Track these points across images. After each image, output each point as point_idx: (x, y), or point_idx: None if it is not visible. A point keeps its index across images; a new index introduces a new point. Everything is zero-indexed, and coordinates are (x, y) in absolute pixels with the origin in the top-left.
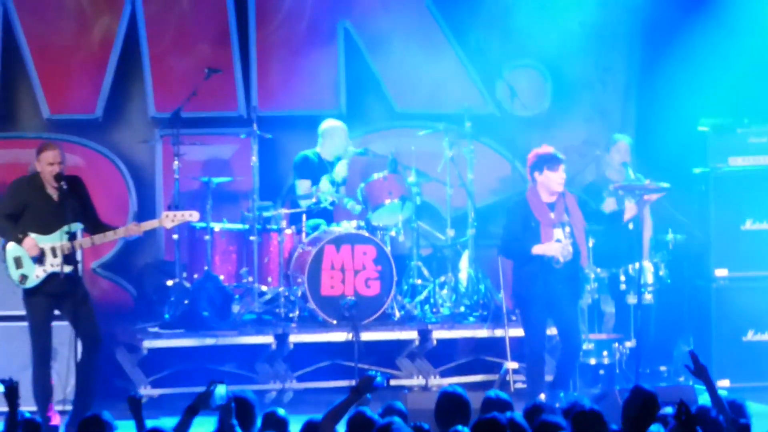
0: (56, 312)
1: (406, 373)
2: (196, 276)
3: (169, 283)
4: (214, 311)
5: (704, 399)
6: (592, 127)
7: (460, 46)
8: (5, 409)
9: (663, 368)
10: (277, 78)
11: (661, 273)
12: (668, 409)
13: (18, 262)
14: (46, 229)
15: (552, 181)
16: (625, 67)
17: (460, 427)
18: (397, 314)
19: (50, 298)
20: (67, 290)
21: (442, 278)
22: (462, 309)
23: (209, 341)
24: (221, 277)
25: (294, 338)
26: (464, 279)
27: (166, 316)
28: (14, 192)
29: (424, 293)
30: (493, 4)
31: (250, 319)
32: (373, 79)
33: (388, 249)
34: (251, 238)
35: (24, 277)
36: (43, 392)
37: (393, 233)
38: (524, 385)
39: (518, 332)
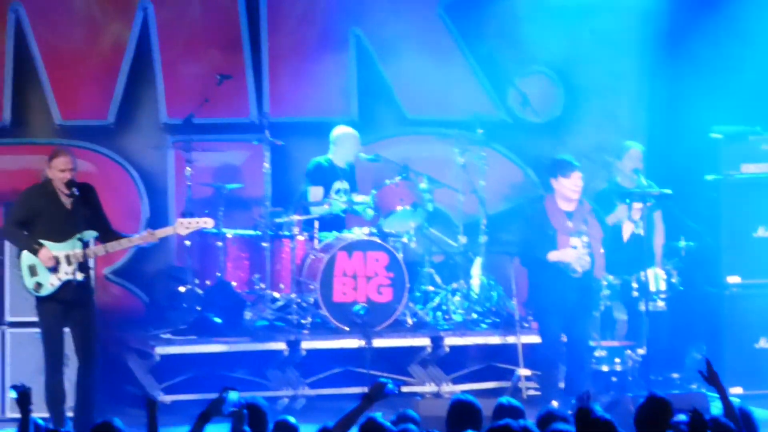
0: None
1: (418, 380)
2: (208, 282)
3: (182, 289)
4: (227, 318)
5: (716, 406)
6: (603, 134)
7: (472, 53)
8: (18, 415)
9: (675, 375)
10: (288, 84)
11: (673, 280)
12: (681, 417)
13: (32, 270)
14: (59, 237)
15: (565, 188)
16: (636, 73)
17: None
18: (409, 321)
19: (62, 305)
20: (79, 298)
21: (454, 285)
22: (474, 316)
23: (221, 348)
24: (233, 284)
25: (306, 345)
26: (476, 286)
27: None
28: (26, 200)
29: (436, 300)
30: (504, 11)
31: (263, 325)
32: (385, 86)
33: (400, 256)
34: (263, 244)
35: (39, 285)
36: (56, 398)
37: (405, 240)
38: (537, 392)
39: (530, 339)
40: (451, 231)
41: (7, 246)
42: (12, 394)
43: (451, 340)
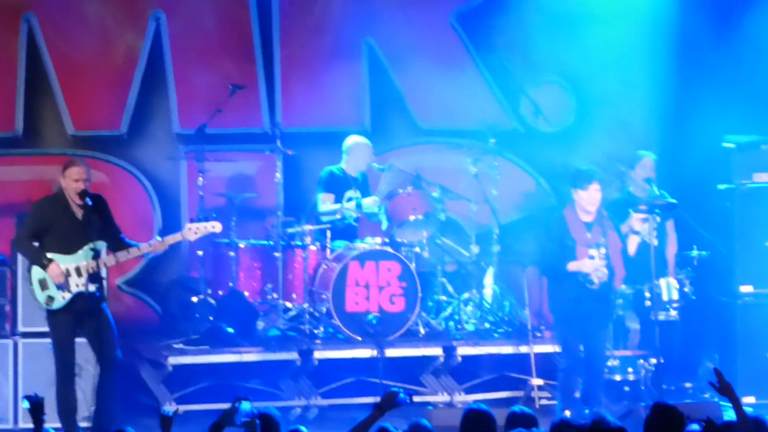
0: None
1: (430, 390)
2: (220, 292)
3: (194, 299)
4: (239, 328)
5: (729, 415)
6: (616, 143)
7: (484, 62)
8: (31, 425)
9: (688, 385)
10: (301, 94)
11: (686, 289)
12: (694, 426)
13: (43, 284)
14: (69, 249)
15: (583, 200)
16: (648, 83)
17: None
18: (422, 331)
19: (74, 316)
20: (91, 309)
21: (467, 295)
22: (487, 325)
23: (234, 358)
24: (246, 294)
25: (319, 355)
26: (489, 295)
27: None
28: (38, 211)
29: (449, 310)
30: (516, 20)
31: (275, 335)
32: (397, 96)
33: (412, 265)
34: (276, 254)
35: (50, 299)
36: (68, 409)
37: (417, 249)
38: (550, 402)
39: (543, 349)
40: (464, 240)
41: (20, 258)
42: (25, 405)
43: (463, 350)
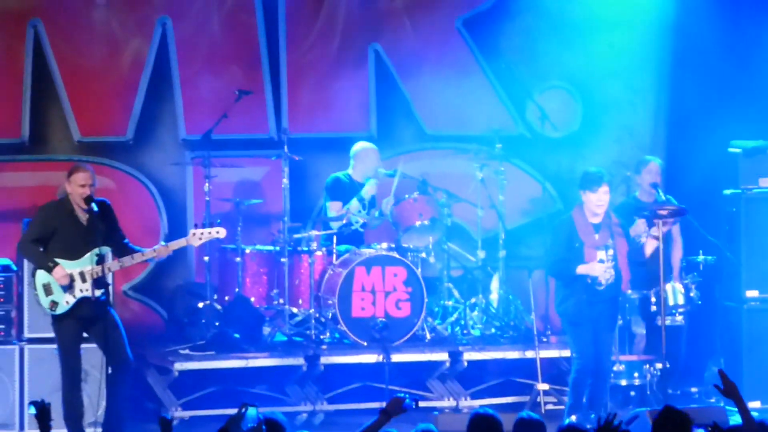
0: (84, 335)
1: (437, 395)
2: (227, 298)
3: (200, 305)
4: (245, 333)
5: (735, 420)
6: (622, 148)
7: (491, 67)
8: (37, 431)
9: (694, 389)
10: (307, 100)
11: (692, 294)
12: (700, 431)
13: (47, 289)
14: (74, 254)
15: (591, 202)
16: (655, 88)
17: None
18: (428, 336)
19: (79, 322)
20: (97, 314)
21: (473, 300)
22: (493, 330)
23: (240, 363)
24: (252, 299)
25: (325, 360)
26: (495, 300)
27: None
28: (43, 217)
29: (455, 315)
30: (523, 26)
31: (281, 341)
32: (404, 101)
33: (418, 271)
34: (282, 260)
35: (54, 304)
36: (74, 414)
37: (423, 255)
38: (555, 407)
39: (549, 353)
40: (470, 246)
41: (25, 264)
42: (31, 410)
43: (469, 355)
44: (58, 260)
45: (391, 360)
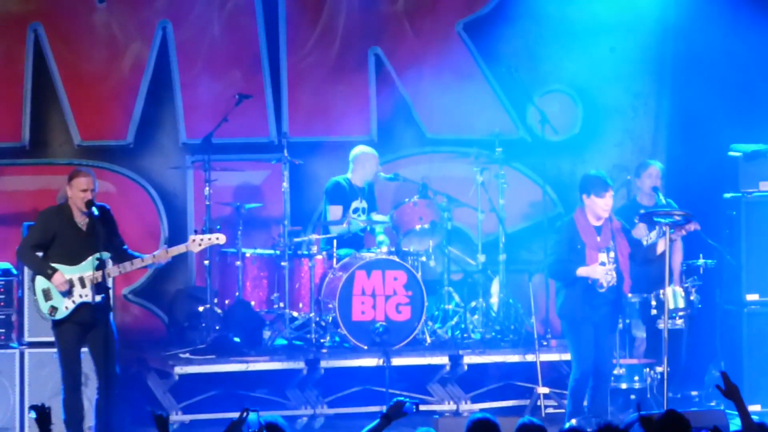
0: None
1: (437, 399)
2: (227, 302)
3: (201, 309)
4: (246, 337)
5: (735, 424)
6: (622, 152)
7: (491, 71)
8: None
9: (694, 393)
10: (308, 104)
11: (692, 298)
12: None
13: (47, 295)
14: (73, 260)
15: (598, 207)
16: (656, 92)
17: None
18: (428, 339)
19: (79, 326)
20: (97, 319)
21: (473, 303)
22: (493, 334)
23: (240, 367)
24: (252, 303)
25: (325, 364)
26: (495, 304)
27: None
28: (43, 223)
29: (455, 318)
30: (523, 29)
31: (281, 344)
32: (404, 105)
33: (418, 274)
34: (282, 263)
35: (54, 309)
36: (74, 419)
37: (424, 258)
38: (555, 410)
39: (549, 357)
40: (470, 249)
41: (25, 268)
42: (32, 415)
43: (470, 359)
44: (57, 266)
45: (392, 364)
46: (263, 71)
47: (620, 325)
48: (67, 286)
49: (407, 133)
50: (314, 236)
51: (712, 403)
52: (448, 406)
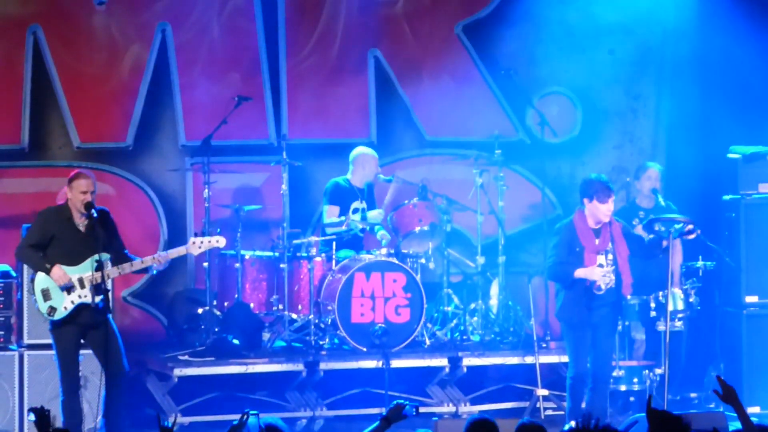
0: (81, 341)
1: (436, 401)
2: (226, 304)
3: (200, 311)
4: (245, 339)
5: (735, 426)
6: (622, 154)
7: (490, 73)
8: None
9: (693, 395)
10: (307, 106)
11: (691, 300)
12: None
13: (45, 295)
14: (72, 261)
15: (600, 212)
16: (655, 94)
17: None
18: (428, 341)
19: (77, 328)
20: (96, 321)
21: (473, 305)
22: (492, 336)
23: (239, 369)
24: (251, 305)
25: (324, 366)
26: (495, 306)
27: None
28: (42, 223)
29: (455, 320)
30: (522, 31)
31: (281, 346)
32: (403, 107)
33: (418, 276)
34: (281, 265)
35: (52, 309)
36: (73, 421)
37: (423, 260)
38: (555, 412)
39: (549, 359)
40: (470, 251)
41: (24, 270)
42: (31, 418)
43: (469, 361)
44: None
45: (391, 366)
46: (262, 73)
47: (619, 327)
48: (67, 279)
49: (406, 135)
50: (313, 238)
51: (712, 405)
52: (448, 408)
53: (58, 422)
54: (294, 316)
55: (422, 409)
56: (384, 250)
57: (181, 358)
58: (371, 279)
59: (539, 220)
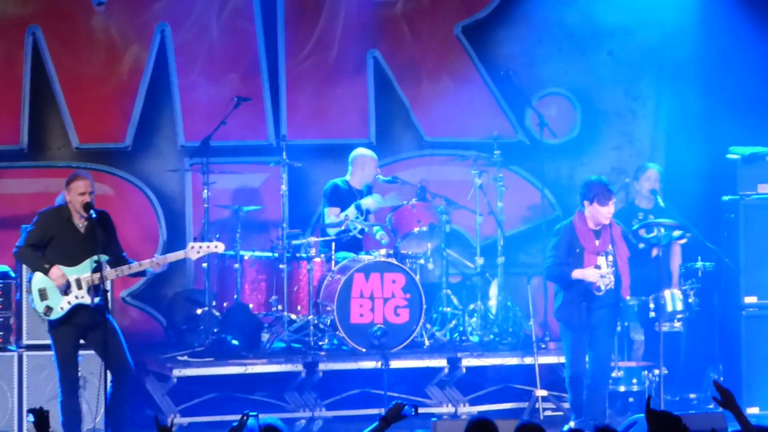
0: (81, 341)
1: (435, 402)
2: (225, 305)
3: (199, 311)
4: (244, 340)
5: (734, 427)
6: (621, 155)
7: (490, 74)
8: None
9: (692, 396)
10: (306, 107)
11: (690, 301)
12: None
13: (42, 294)
14: (71, 261)
15: (600, 214)
16: (654, 95)
17: None
18: (427, 342)
19: (76, 329)
20: (95, 321)
21: (472, 306)
22: (491, 337)
23: (239, 370)
24: (251, 306)
25: (323, 366)
26: (494, 307)
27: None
28: (41, 223)
29: (454, 321)
30: (522, 32)
31: (280, 347)
32: (403, 108)
33: (417, 277)
34: (281, 266)
35: (49, 309)
36: (72, 422)
37: (422, 261)
38: (554, 413)
39: (548, 360)
40: (469, 252)
41: (23, 270)
42: (30, 418)
43: (468, 361)
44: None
45: (390, 366)
46: (262, 74)
47: (618, 328)
48: (64, 280)
49: (406, 136)
50: (313, 239)
51: (711, 406)
52: (447, 409)
53: (57, 423)
54: (293, 316)
55: (421, 410)
56: (383, 251)
57: (180, 358)
58: (370, 280)
59: (538, 220)
